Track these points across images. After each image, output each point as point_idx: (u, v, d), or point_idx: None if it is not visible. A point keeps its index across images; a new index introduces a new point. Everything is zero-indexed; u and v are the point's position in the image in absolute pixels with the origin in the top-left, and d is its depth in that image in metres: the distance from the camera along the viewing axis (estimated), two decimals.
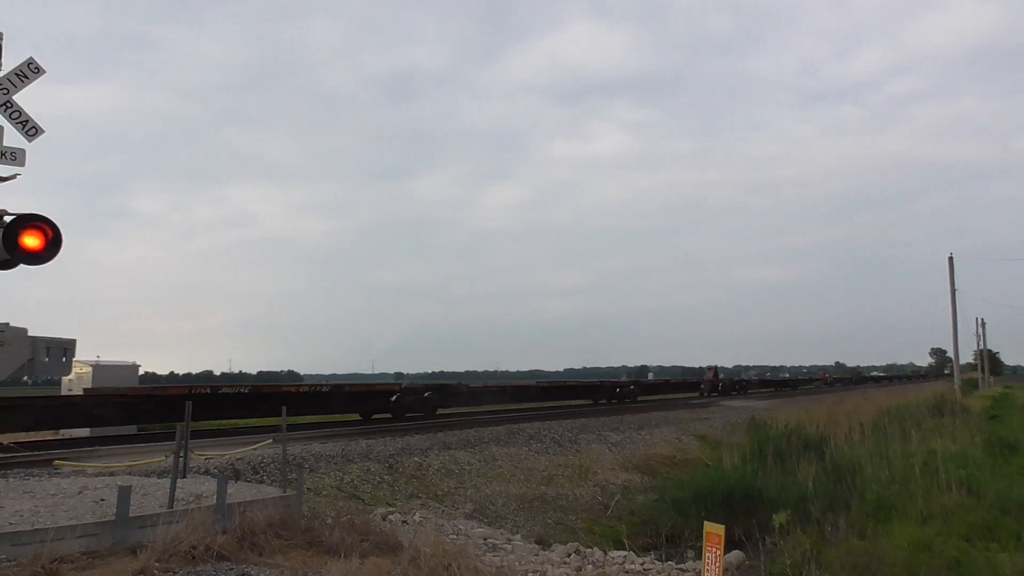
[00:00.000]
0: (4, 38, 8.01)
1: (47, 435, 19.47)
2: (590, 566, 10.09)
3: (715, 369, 61.69)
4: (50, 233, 8.07)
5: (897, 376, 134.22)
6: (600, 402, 41.50)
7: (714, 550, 5.28)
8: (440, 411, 28.46)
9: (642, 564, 10.10)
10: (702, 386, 56.48)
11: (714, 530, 5.36)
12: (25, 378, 10.19)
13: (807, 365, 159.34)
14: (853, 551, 9.21)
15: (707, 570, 5.37)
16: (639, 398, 44.15)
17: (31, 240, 7.92)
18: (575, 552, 10.83)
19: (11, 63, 7.99)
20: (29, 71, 7.81)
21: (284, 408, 9.90)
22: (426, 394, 28.07)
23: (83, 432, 20.17)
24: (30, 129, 7.89)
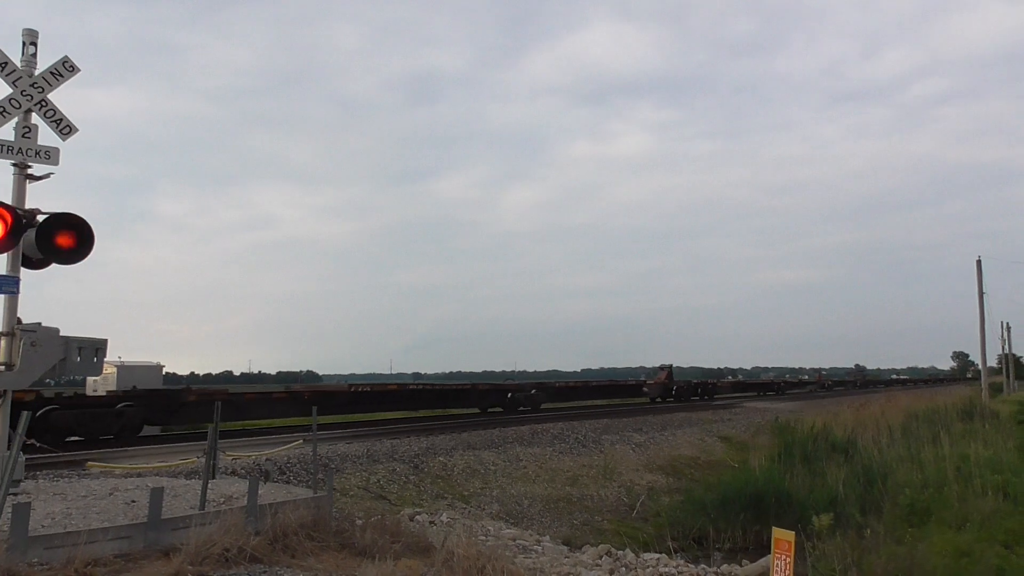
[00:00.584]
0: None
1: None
2: (623, 568, 9.94)
3: (669, 369, 48.18)
4: (84, 233, 8.06)
5: (919, 379, 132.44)
6: (656, 400, 43.94)
7: (783, 557, 5.10)
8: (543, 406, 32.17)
9: (676, 567, 9.92)
10: (645, 389, 45.74)
11: (784, 536, 5.18)
12: (48, 379, 10.24)
13: (827, 367, 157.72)
14: (895, 557, 8.99)
15: None
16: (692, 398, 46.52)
17: (65, 239, 7.92)
18: (607, 554, 10.67)
19: (42, 65, 8.00)
20: (64, 70, 7.80)
21: (315, 408, 9.82)
22: (532, 391, 31.86)
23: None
24: (64, 128, 7.88)
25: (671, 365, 48.58)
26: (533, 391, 32.02)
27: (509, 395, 30.62)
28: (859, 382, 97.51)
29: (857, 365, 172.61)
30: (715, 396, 51.66)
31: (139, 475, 11.48)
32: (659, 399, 44.49)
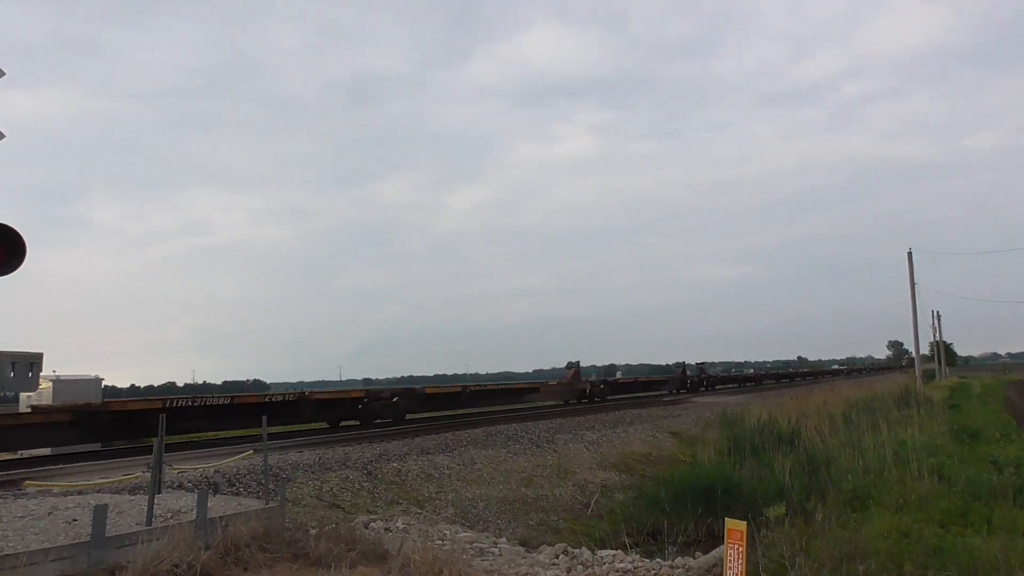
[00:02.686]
0: None
1: (3, 455, 18.78)
2: (580, 566, 10.03)
3: (576, 368, 43.14)
4: (15, 243, 7.72)
5: (857, 369, 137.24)
6: (569, 403, 40.33)
7: (736, 546, 5.24)
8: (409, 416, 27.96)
9: (631, 563, 10.06)
10: (547, 390, 40.22)
11: (736, 526, 5.33)
12: None
13: (770, 360, 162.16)
14: (839, 541, 9.30)
15: (729, 568, 5.32)
16: (608, 397, 43.81)
17: None
18: (563, 553, 10.76)
19: None
20: None
21: (264, 418, 9.64)
22: (394, 399, 27.32)
23: (44, 450, 19.45)
24: None
25: (578, 362, 43.61)
26: (395, 399, 27.43)
27: (361, 405, 25.97)
28: (791, 376, 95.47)
29: (799, 357, 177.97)
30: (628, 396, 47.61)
31: (80, 493, 11.05)
32: (574, 400, 40.64)
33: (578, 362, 43.29)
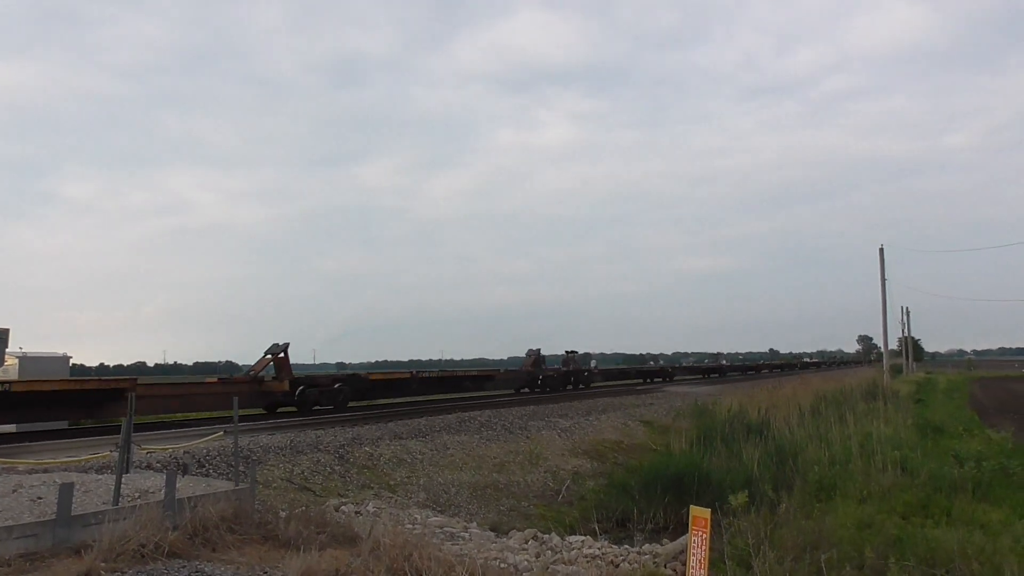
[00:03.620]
0: None
1: None
2: (549, 552, 10.13)
3: (536, 355, 41.80)
4: None
5: (828, 362, 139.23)
6: (523, 391, 38.90)
7: (700, 533, 5.32)
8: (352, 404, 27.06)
9: (600, 548, 10.18)
10: (500, 379, 38.19)
11: (700, 514, 5.41)
12: None
13: (743, 352, 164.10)
14: (804, 530, 9.50)
15: (692, 554, 5.41)
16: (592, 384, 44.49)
17: None
18: (533, 538, 10.85)
19: None
20: None
21: (235, 399, 9.56)
22: (336, 386, 26.58)
23: (9, 428, 19.13)
24: None
25: (539, 350, 42.02)
26: (337, 385, 26.62)
27: (298, 392, 24.76)
28: (759, 368, 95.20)
29: (771, 349, 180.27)
30: (591, 385, 46.78)
31: (45, 471, 10.91)
32: (526, 390, 39.34)
33: (539, 350, 42.02)
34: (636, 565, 9.68)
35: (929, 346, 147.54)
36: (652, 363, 62.76)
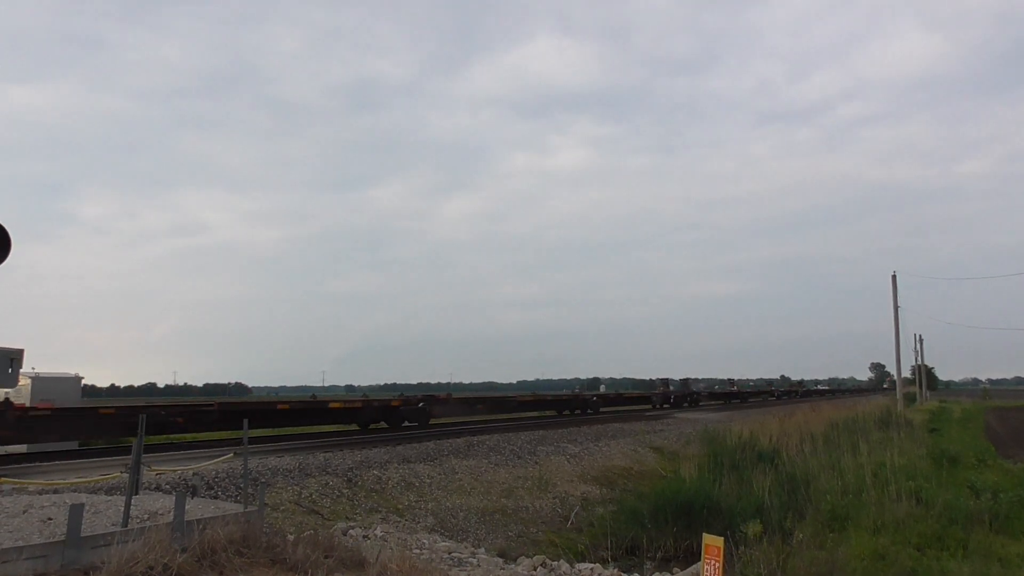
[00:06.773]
0: None
1: None
2: None
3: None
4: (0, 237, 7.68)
5: (840, 390, 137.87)
6: (576, 413, 43.00)
7: (713, 562, 5.27)
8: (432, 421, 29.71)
9: None
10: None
11: (713, 542, 5.35)
12: None
13: (754, 378, 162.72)
14: (816, 561, 9.37)
15: None
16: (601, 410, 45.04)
17: None
18: (541, 565, 10.74)
19: None
20: None
21: (245, 421, 9.57)
22: (420, 404, 29.14)
23: (20, 448, 19.20)
24: None
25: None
26: (420, 404, 28.96)
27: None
28: (772, 393, 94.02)
29: (783, 376, 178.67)
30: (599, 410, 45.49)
31: (55, 491, 10.92)
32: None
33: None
34: None
35: (943, 375, 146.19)
36: (673, 387, 62.44)
